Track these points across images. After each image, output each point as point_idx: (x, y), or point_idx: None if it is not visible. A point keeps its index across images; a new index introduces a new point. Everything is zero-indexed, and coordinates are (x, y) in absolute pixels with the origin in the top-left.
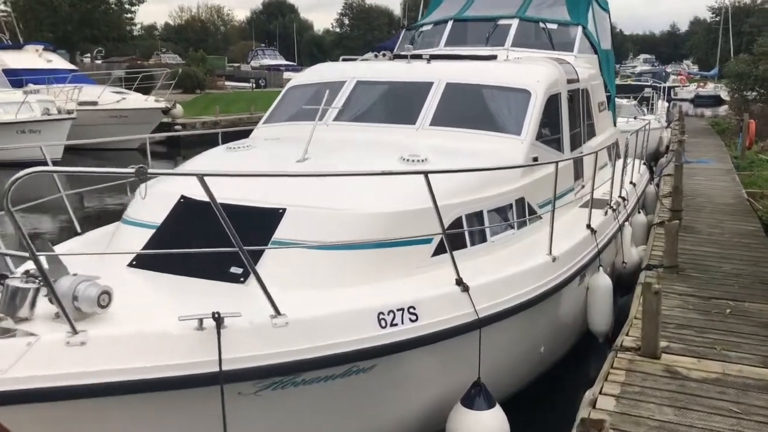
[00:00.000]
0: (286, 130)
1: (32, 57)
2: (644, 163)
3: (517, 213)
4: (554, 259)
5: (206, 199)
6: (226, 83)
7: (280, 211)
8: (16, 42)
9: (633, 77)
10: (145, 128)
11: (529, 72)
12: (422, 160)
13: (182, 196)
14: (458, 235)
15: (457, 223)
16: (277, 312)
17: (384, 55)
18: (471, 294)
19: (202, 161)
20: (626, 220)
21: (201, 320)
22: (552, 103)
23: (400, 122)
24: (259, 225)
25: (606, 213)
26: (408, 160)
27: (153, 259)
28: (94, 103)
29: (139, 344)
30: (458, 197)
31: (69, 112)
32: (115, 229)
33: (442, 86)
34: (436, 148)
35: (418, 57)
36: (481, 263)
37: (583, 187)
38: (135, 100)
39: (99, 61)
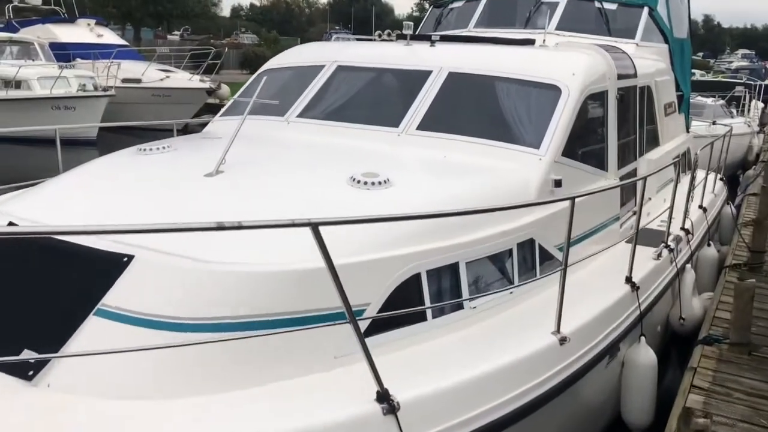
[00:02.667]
0: (244, 125)
1: (83, 31)
2: (721, 179)
3: (521, 262)
4: (563, 341)
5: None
6: None
7: (125, 259)
8: (72, 16)
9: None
10: (188, 108)
11: (563, 61)
12: (381, 182)
13: (10, 222)
14: (407, 305)
15: (410, 284)
16: None
17: (389, 35)
18: (401, 419)
19: (82, 169)
20: (689, 260)
21: None
22: (593, 105)
23: (381, 123)
24: (90, 278)
25: (659, 255)
26: (359, 181)
27: None
28: (138, 81)
29: None
30: (415, 243)
31: (106, 89)
32: None
33: (441, 77)
34: (415, 163)
35: (426, 38)
36: (442, 348)
37: (635, 213)
38: (180, 79)
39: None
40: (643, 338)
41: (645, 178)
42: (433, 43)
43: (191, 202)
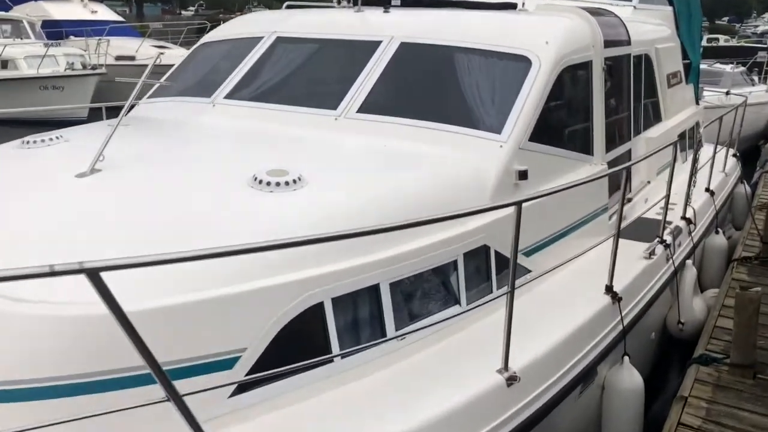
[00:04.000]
0: (168, 109)
1: (76, 8)
2: (735, 155)
3: (471, 276)
4: (511, 381)
5: None
6: None
7: None
8: None
9: (753, 38)
10: None
11: (536, 28)
12: (290, 183)
13: None
14: (304, 345)
15: (308, 317)
16: None
17: (349, 1)
18: None
19: None
20: (690, 254)
21: None
22: (573, 78)
23: (318, 105)
24: None
25: (651, 253)
26: (262, 182)
27: None
28: (132, 58)
29: None
30: (315, 264)
31: (95, 67)
32: None
33: (392, 48)
34: (345, 154)
35: (384, 2)
36: (351, 399)
37: (629, 201)
38: (175, 55)
39: (189, 14)
40: (626, 359)
41: (628, 167)
42: (387, 8)
43: (26, 216)
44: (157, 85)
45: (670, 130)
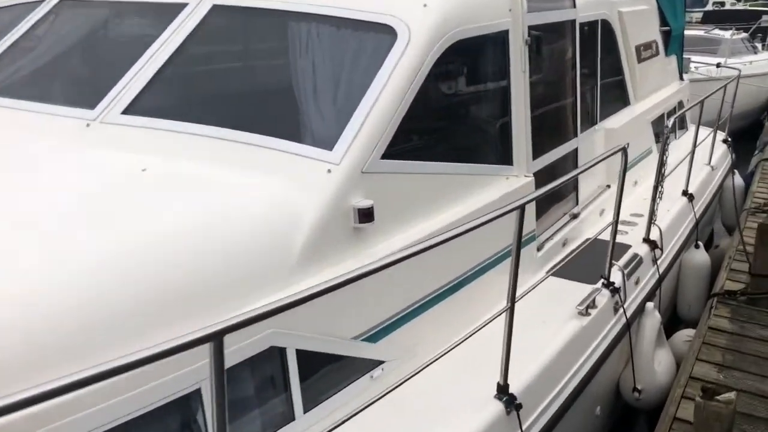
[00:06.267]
0: None
1: None
2: (725, 140)
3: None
4: None
5: None
6: None
7: None
8: None
9: (759, 2)
10: None
11: None
12: None
13: None
14: None
15: None
16: None
17: None
18: None
19: None
20: (654, 291)
21: None
22: (473, 57)
23: (76, 103)
24: None
25: (588, 308)
26: None
27: None
28: None
29: None
30: None
31: None
32: None
33: (198, 14)
34: (70, 186)
35: None
36: None
37: (575, 217)
38: None
39: None
40: None
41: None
42: None
43: None
44: None
45: (641, 116)
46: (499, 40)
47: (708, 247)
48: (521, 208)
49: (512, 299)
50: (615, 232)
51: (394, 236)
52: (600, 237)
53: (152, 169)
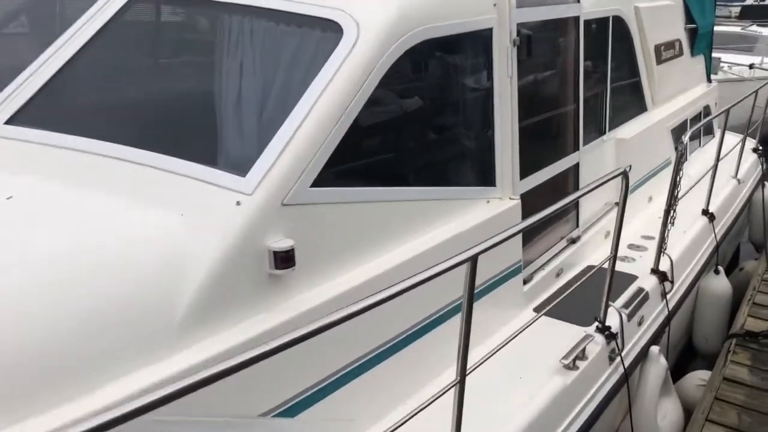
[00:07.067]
0: None
1: None
2: (757, 149)
3: None
4: None
5: None
6: None
7: None
8: None
9: None
10: None
11: None
12: None
13: None
14: None
15: None
16: None
17: None
18: None
19: None
20: (661, 331)
21: None
22: (444, 60)
23: None
24: None
25: (574, 362)
26: None
27: None
28: None
29: None
30: None
31: None
32: None
33: (115, 5)
34: None
35: None
36: None
37: (574, 242)
38: None
39: None
40: None
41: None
42: None
43: None
44: None
45: (659, 123)
46: (481, 40)
47: (733, 267)
48: (472, 260)
49: (462, 372)
50: (613, 268)
51: (325, 282)
52: (604, 266)
53: (19, 197)
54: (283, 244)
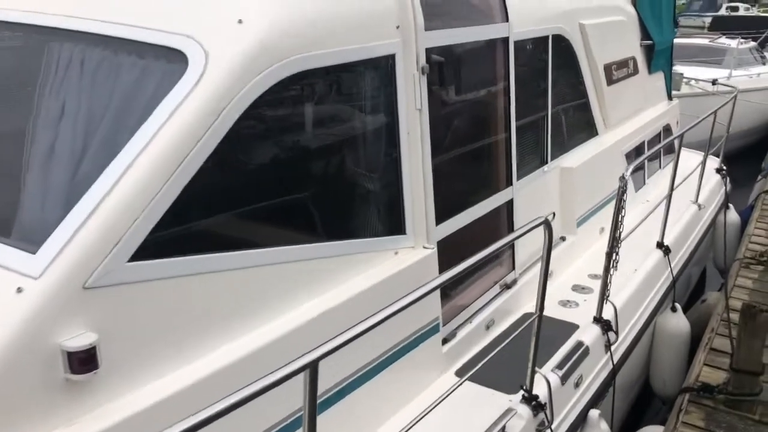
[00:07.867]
0: None
1: None
2: (720, 170)
3: None
4: None
5: None
6: None
7: None
8: None
9: None
10: None
11: None
12: None
13: None
14: None
15: None
16: None
17: None
18: None
19: None
20: (604, 390)
21: None
22: (330, 93)
23: None
24: None
25: None
26: None
27: None
28: None
29: None
30: None
31: None
32: None
33: None
34: None
35: None
36: None
37: (508, 287)
38: None
39: None
40: None
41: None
42: None
43: None
44: None
45: (611, 148)
46: (381, 69)
47: (700, 290)
48: (311, 367)
49: None
50: (539, 330)
51: (144, 386)
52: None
53: None
54: (80, 341)
